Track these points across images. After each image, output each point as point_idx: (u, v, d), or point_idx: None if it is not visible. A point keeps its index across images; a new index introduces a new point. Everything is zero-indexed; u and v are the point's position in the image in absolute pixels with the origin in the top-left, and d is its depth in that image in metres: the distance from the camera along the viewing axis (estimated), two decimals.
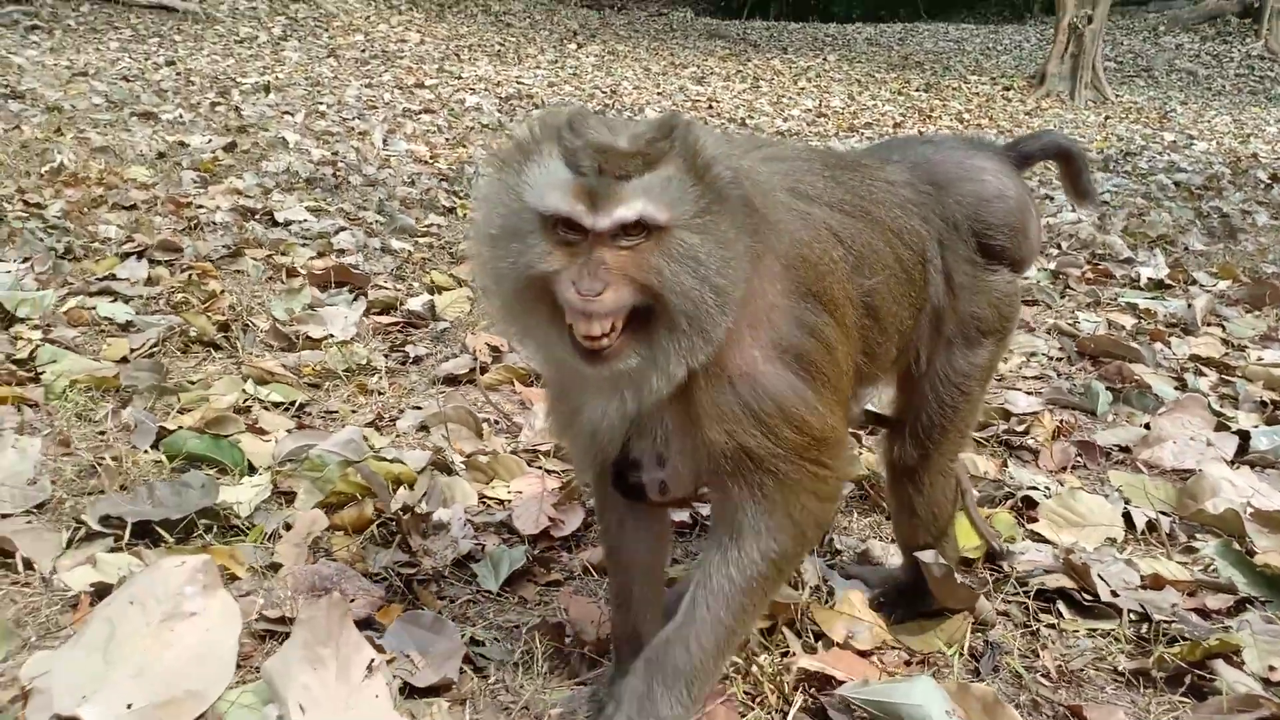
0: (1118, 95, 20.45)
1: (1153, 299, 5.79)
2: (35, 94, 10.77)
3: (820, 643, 2.41)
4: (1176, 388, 4.29)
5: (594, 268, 1.68)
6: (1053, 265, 6.59)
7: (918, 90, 20.17)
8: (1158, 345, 4.88)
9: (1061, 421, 3.83)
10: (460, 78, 16.36)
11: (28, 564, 2.50)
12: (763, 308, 1.88)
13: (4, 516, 2.73)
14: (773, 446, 1.88)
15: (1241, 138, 15.75)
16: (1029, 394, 4.24)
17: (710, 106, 15.57)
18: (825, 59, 24.18)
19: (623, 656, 2.20)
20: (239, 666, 2.14)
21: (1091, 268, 6.53)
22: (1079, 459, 3.59)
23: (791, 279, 1.93)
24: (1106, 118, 17.88)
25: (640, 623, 2.21)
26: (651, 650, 2.00)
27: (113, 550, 2.59)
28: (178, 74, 13.65)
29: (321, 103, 12.34)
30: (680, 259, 1.72)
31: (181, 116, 10.42)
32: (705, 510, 2.96)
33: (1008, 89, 20.73)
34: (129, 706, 1.93)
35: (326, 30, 20.03)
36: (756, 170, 1.92)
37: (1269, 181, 10.70)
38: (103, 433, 3.34)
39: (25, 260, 5.05)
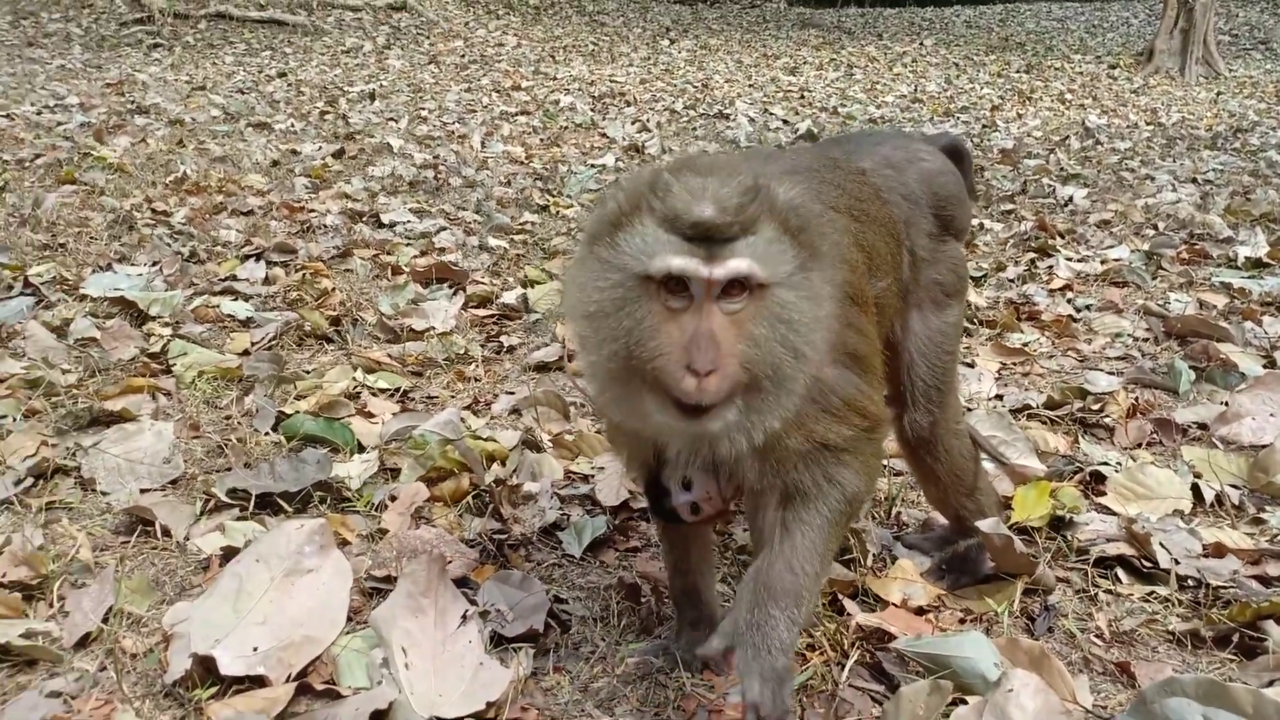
0: (1231, 70, 19.65)
1: (1249, 278, 5.68)
2: (159, 108, 11.50)
3: (879, 605, 2.56)
4: (1265, 365, 4.26)
5: (705, 341, 1.67)
6: (1146, 246, 6.51)
7: (1018, 72, 19.75)
8: (1248, 324, 4.82)
9: (1138, 400, 3.86)
10: (555, 78, 16.74)
11: (165, 531, 2.82)
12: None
13: (144, 491, 3.08)
14: (845, 431, 2.01)
15: None
16: (1111, 374, 4.27)
17: (802, 96, 15.59)
18: (922, 43, 23.84)
19: (683, 612, 2.40)
20: (349, 619, 2.40)
21: (1188, 248, 6.43)
22: (1154, 436, 3.63)
23: (839, 287, 2.03)
24: (1219, 93, 17.22)
25: (698, 581, 2.39)
26: (754, 575, 2.02)
27: (239, 519, 2.90)
28: (289, 85, 14.35)
29: (424, 108, 12.84)
30: (777, 320, 1.75)
31: (293, 126, 10.98)
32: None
33: (1113, 67, 20.11)
34: (255, 649, 2.20)
35: (428, 38, 20.69)
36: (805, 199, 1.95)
37: None
38: (228, 417, 3.68)
39: (155, 264, 5.49)
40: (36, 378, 3.77)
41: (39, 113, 10.66)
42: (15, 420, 3.47)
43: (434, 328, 4.69)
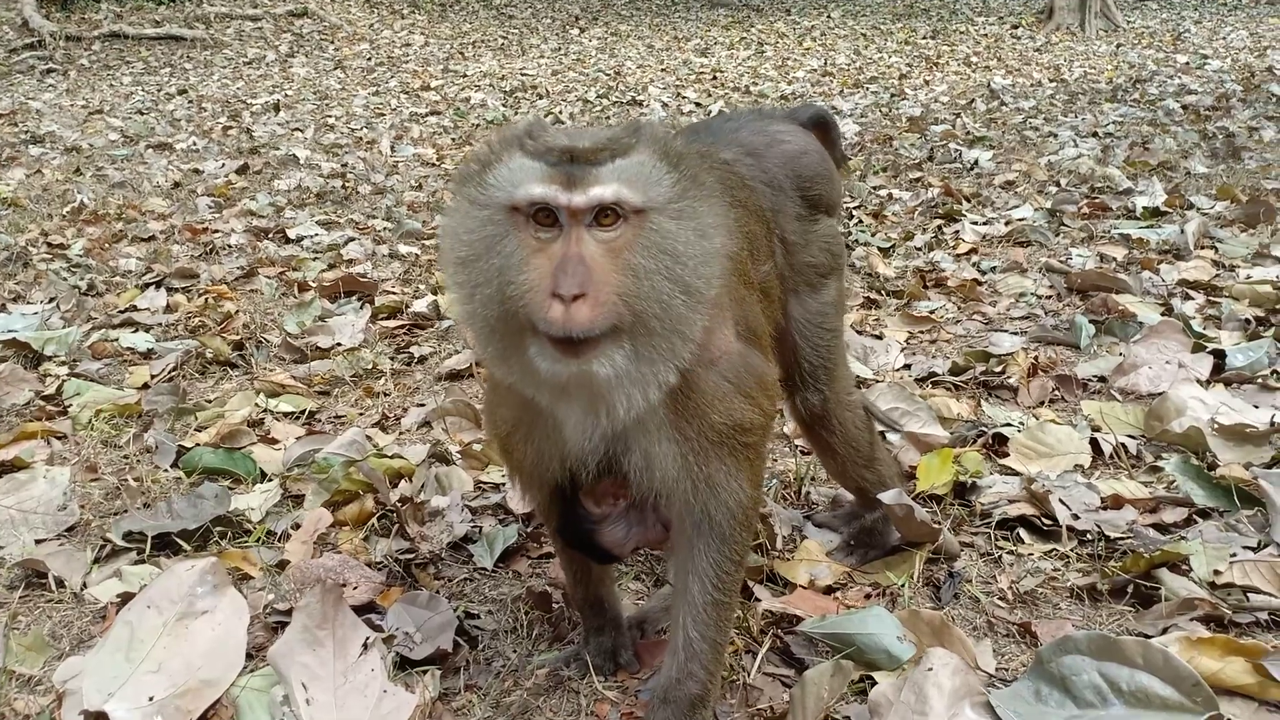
0: (1130, 22, 20.14)
1: (1147, 228, 5.82)
2: (54, 136, 11.14)
3: (787, 589, 2.57)
4: (1163, 314, 4.36)
5: (572, 264, 1.62)
6: (1049, 204, 6.63)
7: (924, 38, 20.01)
8: (1146, 274, 4.94)
9: (1037, 359, 3.93)
10: (465, 75, 16.56)
11: (59, 582, 2.73)
12: (725, 292, 1.95)
13: (39, 541, 2.97)
14: (756, 416, 2.00)
15: (1258, 51, 15.47)
16: (1014, 335, 4.34)
17: (714, 77, 15.61)
18: (829, 16, 24.03)
19: (589, 620, 2.38)
20: (252, 656, 2.35)
21: (1089, 203, 6.56)
22: (1056, 393, 3.70)
23: (732, 267, 2.01)
24: (1118, 45, 17.61)
25: (600, 590, 2.37)
26: (663, 690, 2.06)
27: (136, 563, 2.82)
28: (189, 102, 14.00)
29: (330, 115, 12.61)
30: (659, 250, 1.69)
31: (195, 144, 10.71)
32: None
33: (1016, 27, 20.48)
34: (150, 699, 2.14)
35: (332, 42, 20.31)
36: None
37: None
38: (127, 456, 3.57)
39: (51, 300, 5.32)
40: None
41: None
42: None
43: (341, 344, 4.61)
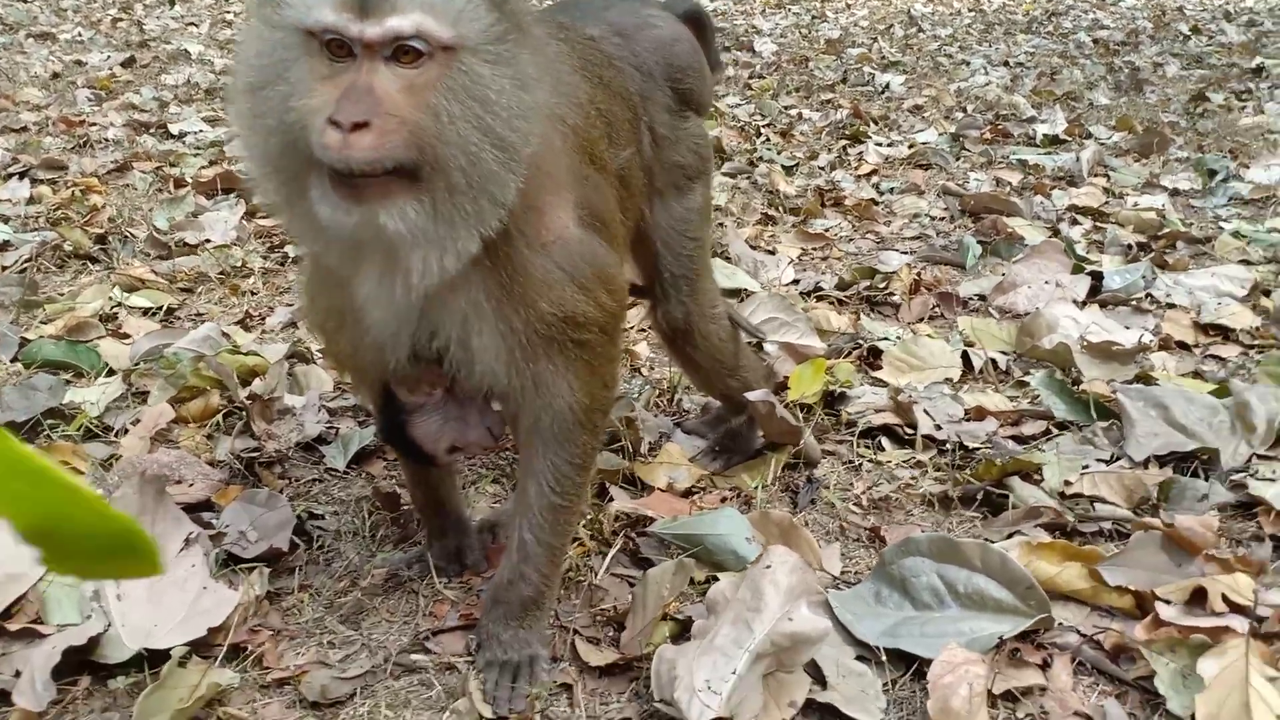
0: None
1: (1044, 155, 5.84)
2: None
3: (645, 492, 2.52)
4: (1049, 238, 4.38)
5: (358, 93, 1.45)
6: (953, 129, 6.61)
7: None
8: (1038, 198, 4.96)
9: (920, 276, 3.91)
10: None
11: None
12: (564, 169, 1.83)
13: None
14: (593, 312, 1.84)
15: None
16: (903, 254, 4.32)
17: None
18: None
19: (431, 522, 2.30)
20: None
21: (991, 128, 6.57)
22: (937, 310, 3.70)
23: (576, 143, 1.90)
24: None
25: (440, 492, 2.28)
26: (495, 590, 2.00)
27: None
28: None
29: (229, 10, 11.97)
30: (467, 96, 1.52)
31: (80, 35, 10.07)
32: None
33: None
34: None
35: None
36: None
37: (1188, 34, 10.68)
38: None
39: None
40: None
41: None
42: None
43: (211, 240, 4.37)
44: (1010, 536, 2.28)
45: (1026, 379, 3.09)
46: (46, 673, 1.81)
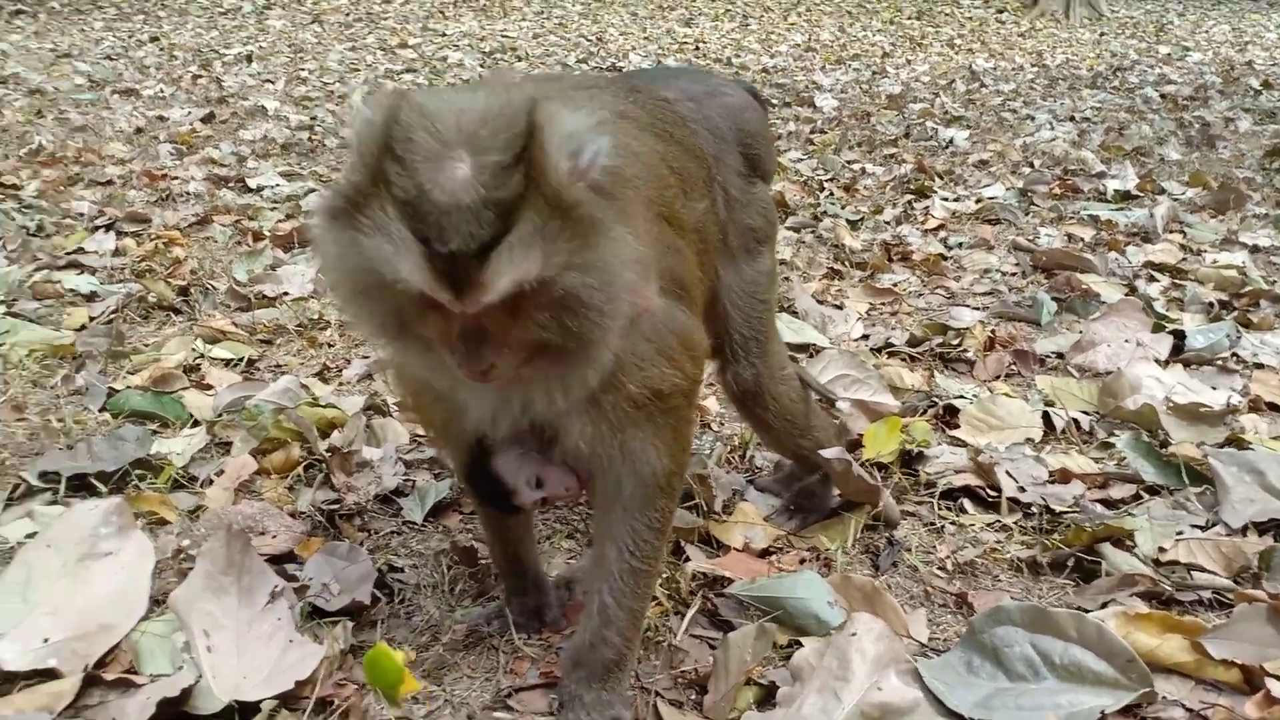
0: (1114, 11, 20.10)
1: (1116, 210, 5.77)
2: (19, 78, 10.83)
3: (720, 551, 2.49)
4: (1126, 294, 4.31)
5: (471, 341, 1.50)
6: (1021, 184, 6.56)
7: (909, 19, 19.88)
8: (1113, 255, 4.89)
9: (995, 332, 3.86)
10: (444, 35, 16.27)
11: None
12: (647, 240, 1.77)
13: None
14: (679, 380, 1.85)
15: (1239, 46, 15.47)
16: (975, 309, 4.28)
17: (697, 48, 15.42)
18: None
19: (509, 580, 2.29)
20: (159, 602, 2.24)
21: (1060, 183, 6.51)
22: (1013, 368, 3.64)
23: (655, 211, 1.89)
24: (1101, 34, 17.58)
25: (518, 550, 2.27)
26: (577, 653, 1.99)
27: (51, 504, 2.70)
28: (161, 49, 13.66)
29: (303, 69, 12.35)
30: (565, 303, 1.52)
31: (162, 91, 10.45)
32: None
33: (1001, 12, 20.39)
34: (45, 640, 2.04)
35: None
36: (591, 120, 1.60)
37: (1259, 88, 10.53)
38: (57, 397, 3.44)
39: None
40: None
41: None
42: None
43: (289, 293, 4.47)
44: (1105, 605, 2.21)
45: (1111, 440, 3.02)
46: None
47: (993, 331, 3.84)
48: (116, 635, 2.09)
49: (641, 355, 1.78)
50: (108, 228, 5.54)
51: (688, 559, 2.42)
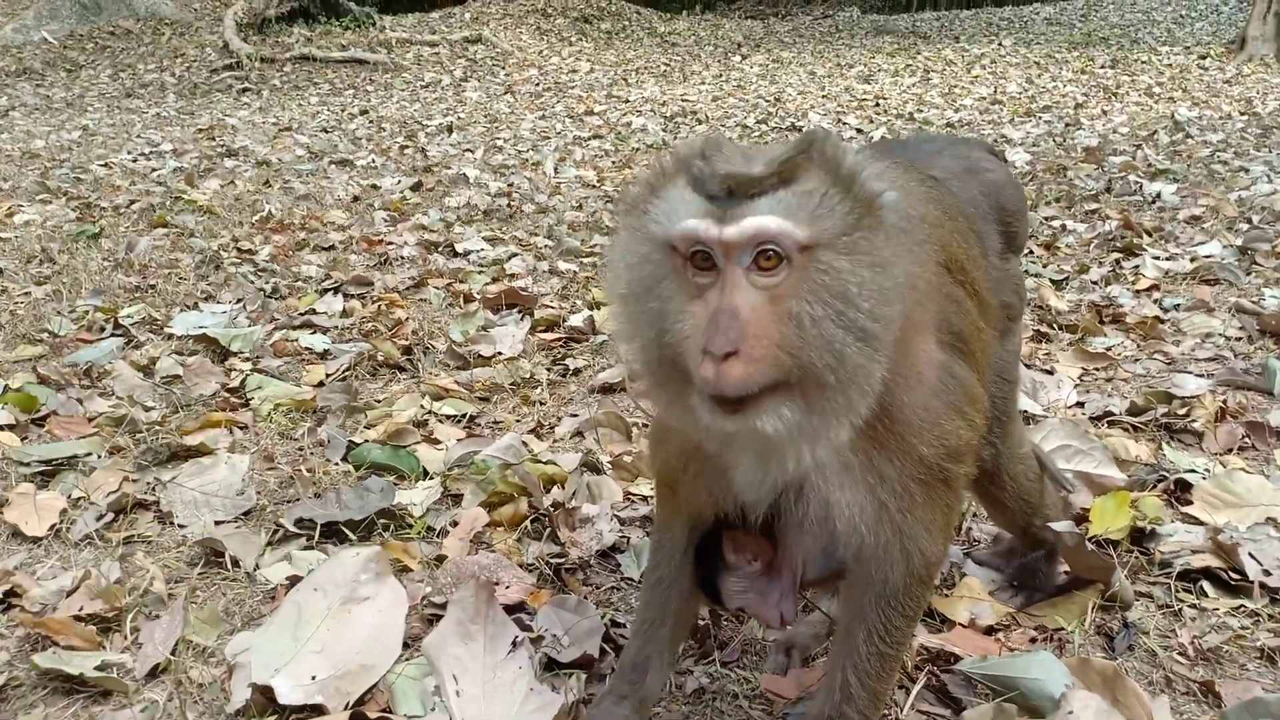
0: None
1: None
2: (247, 150, 11.93)
3: (945, 626, 2.47)
4: None
5: (726, 317, 1.45)
6: (1240, 241, 6.21)
7: (1102, 67, 19.16)
8: None
9: (1226, 402, 3.66)
10: (627, 101, 16.84)
11: (235, 562, 2.89)
12: (921, 288, 1.67)
13: (218, 523, 3.15)
14: (970, 435, 1.74)
15: None
16: (1200, 376, 4.08)
17: (877, 104, 15.37)
18: (1000, 44, 23.34)
19: (619, 682, 2.14)
20: (407, 645, 2.42)
21: None
22: (1246, 440, 3.45)
23: (935, 252, 1.80)
24: None
25: (654, 653, 2.14)
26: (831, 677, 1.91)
27: (305, 548, 2.95)
28: (370, 122, 14.74)
29: (499, 137, 13.04)
30: (827, 294, 1.47)
31: (374, 161, 11.27)
32: None
33: (1204, 58, 19.37)
34: (313, 677, 2.23)
35: (503, 68, 21.05)
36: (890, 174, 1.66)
37: None
38: (301, 448, 3.76)
39: (239, 300, 5.67)
40: (121, 416, 3.92)
41: (135, 160, 11.15)
42: (99, 457, 3.60)
43: (501, 353, 4.73)
44: None
45: None
46: None
47: (1224, 401, 3.65)
48: (375, 675, 2.27)
49: (932, 411, 1.69)
50: (335, 290, 6.02)
51: (912, 634, 2.41)
